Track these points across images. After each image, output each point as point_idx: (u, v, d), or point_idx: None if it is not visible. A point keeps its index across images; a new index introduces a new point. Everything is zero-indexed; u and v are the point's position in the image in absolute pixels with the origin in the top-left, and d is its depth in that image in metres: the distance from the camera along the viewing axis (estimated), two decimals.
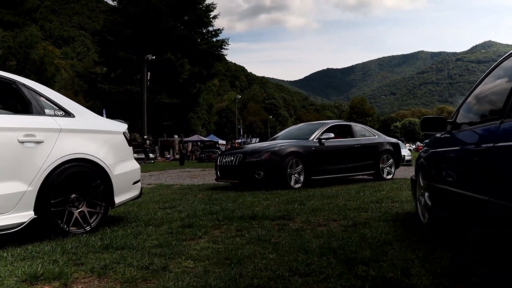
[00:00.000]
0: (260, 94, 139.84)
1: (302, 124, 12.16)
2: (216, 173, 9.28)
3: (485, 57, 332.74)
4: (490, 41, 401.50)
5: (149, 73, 40.43)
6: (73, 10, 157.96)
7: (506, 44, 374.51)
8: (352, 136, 9.97)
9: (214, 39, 50.62)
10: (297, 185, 8.37)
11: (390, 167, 10.47)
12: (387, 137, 11.17)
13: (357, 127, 10.51)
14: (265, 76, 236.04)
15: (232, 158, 8.70)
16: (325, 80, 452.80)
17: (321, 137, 9.06)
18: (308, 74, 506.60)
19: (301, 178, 8.48)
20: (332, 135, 9.14)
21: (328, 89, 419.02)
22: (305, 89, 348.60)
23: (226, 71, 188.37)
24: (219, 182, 9.65)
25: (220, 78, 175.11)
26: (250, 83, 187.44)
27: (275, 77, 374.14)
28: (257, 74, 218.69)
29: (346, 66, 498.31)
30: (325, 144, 9.05)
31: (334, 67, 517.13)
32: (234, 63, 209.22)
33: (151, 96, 41.87)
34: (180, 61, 47.44)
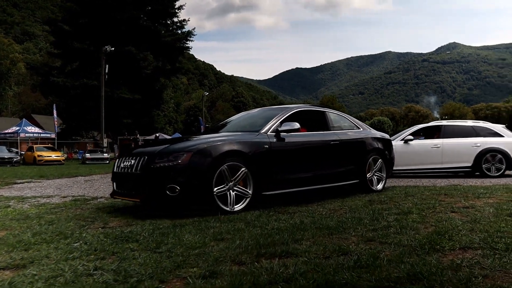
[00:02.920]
0: (229, 93, 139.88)
1: (257, 109, 7.80)
2: (113, 185, 5.85)
3: (450, 58, 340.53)
4: (454, 42, 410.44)
5: (107, 66, 37.36)
6: (36, 4, 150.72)
7: (470, 46, 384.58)
8: (327, 129, 6.81)
9: (179, 31, 47.72)
10: (238, 206, 5.22)
11: (381, 172, 7.45)
12: (375, 131, 7.84)
13: (333, 114, 7.24)
14: (234, 75, 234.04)
15: (132, 161, 5.27)
16: (294, 80, 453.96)
17: (279, 129, 5.87)
18: (277, 73, 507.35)
19: (248, 192, 5.33)
20: (296, 125, 5.88)
21: (297, 88, 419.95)
22: (274, 88, 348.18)
23: (195, 70, 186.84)
24: (119, 200, 6.04)
25: (189, 77, 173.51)
26: (219, 82, 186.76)
27: (244, 76, 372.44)
28: (226, 73, 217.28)
29: (315, 66, 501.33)
30: (286, 140, 5.90)
31: (303, 67, 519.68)
32: (203, 61, 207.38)
33: (110, 91, 38.77)
34: (143, 54, 44.14)
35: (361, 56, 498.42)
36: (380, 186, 7.33)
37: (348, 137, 7.00)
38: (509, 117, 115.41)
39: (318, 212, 4.99)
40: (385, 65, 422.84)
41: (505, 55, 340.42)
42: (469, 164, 11.00)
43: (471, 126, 11.56)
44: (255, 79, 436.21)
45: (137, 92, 42.05)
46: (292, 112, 6.50)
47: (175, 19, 47.57)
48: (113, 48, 38.09)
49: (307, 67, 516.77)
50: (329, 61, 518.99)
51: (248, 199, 5.30)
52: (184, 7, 47.59)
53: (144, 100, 42.42)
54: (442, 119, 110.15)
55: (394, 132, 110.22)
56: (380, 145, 7.46)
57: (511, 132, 11.77)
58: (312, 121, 6.95)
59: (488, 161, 10.94)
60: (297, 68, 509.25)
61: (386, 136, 8.00)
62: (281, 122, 6.05)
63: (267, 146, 5.60)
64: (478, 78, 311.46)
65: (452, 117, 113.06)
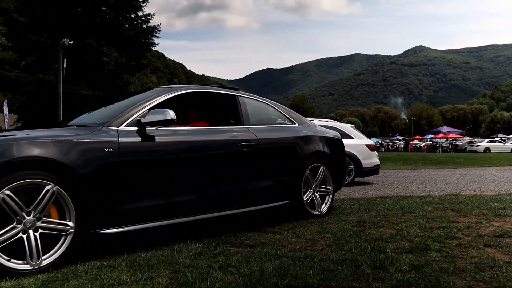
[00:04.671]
0: None
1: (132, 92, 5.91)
2: None
3: (417, 60, 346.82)
4: (421, 46, 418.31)
5: (65, 61, 34.95)
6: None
7: (436, 49, 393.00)
8: (238, 122, 4.49)
9: (144, 26, 45.53)
10: (48, 259, 2.89)
11: (325, 185, 5.07)
12: (320, 128, 5.46)
13: (250, 101, 4.76)
14: (205, 74, 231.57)
15: None
16: (265, 80, 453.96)
17: (144, 121, 3.57)
18: (248, 74, 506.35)
19: (67, 226, 3.00)
20: (169, 115, 3.55)
21: (267, 89, 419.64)
22: (245, 88, 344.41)
23: (165, 68, 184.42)
24: None
25: (158, 75, 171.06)
26: (189, 81, 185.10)
27: (215, 75, 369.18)
28: (196, 72, 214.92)
29: (285, 67, 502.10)
30: (158, 140, 3.60)
31: (274, 67, 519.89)
32: (173, 60, 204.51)
33: (69, 88, 36.24)
34: (104, 48, 41.73)
35: (331, 58, 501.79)
36: (325, 208, 4.97)
37: (270, 135, 4.58)
38: (474, 119, 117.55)
39: (288, 246, 3.39)
40: (355, 67, 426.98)
41: (469, 59, 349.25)
42: None
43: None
44: (226, 79, 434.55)
45: (98, 89, 39.65)
46: (174, 95, 4.01)
47: (140, 13, 45.39)
48: (71, 42, 35.78)
49: (278, 67, 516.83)
50: (300, 62, 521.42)
51: (66, 241, 2.98)
52: (149, 0, 45.45)
53: (105, 97, 40.09)
54: (410, 120, 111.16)
55: (365, 133, 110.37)
56: (325, 148, 5.04)
57: (360, 133, 10.53)
58: (217, 110, 5.01)
59: None
60: (268, 68, 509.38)
61: (336, 135, 5.54)
62: (149, 111, 3.64)
63: (110, 150, 3.25)
64: (443, 80, 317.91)
65: (420, 118, 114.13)
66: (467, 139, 50.62)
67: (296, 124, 5.05)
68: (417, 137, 70.74)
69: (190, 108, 4.70)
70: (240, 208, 4.12)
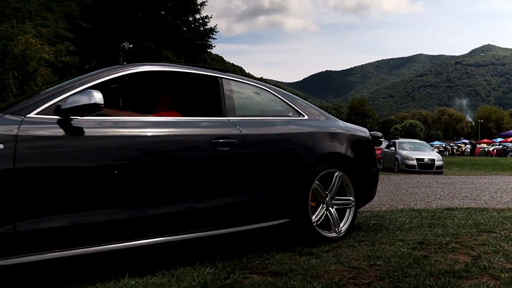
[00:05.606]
0: None
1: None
2: None
3: (484, 60, 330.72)
4: (489, 44, 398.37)
5: (125, 64, 35.74)
6: (70, 8, 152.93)
7: (506, 48, 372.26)
8: (219, 113, 3.34)
9: (202, 28, 45.83)
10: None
11: (343, 200, 3.83)
12: (341, 122, 4.24)
13: (240, 84, 3.66)
14: (264, 77, 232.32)
15: None
16: (323, 82, 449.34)
17: (66, 107, 2.47)
18: (306, 76, 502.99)
19: None
20: (94, 97, 2.45)
21: (326, 91, 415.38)
22: (303, 91, 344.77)
23: None
24: None
25: None
26: None
27: (273, 78, 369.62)
28: (255, 75, 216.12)
29: (344, 69, 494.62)
30: (88, 133, 2.53)
31: (333, 69, 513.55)
32: (232, 63, 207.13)
33: None
34: (163, 52, 42.36)
35: (391, 59, 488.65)
36: (344, 226, 3.74)
37: (262, 131, 3.44)
38: None
39: (324, 276, 2.56)
40: (417, 68, 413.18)
41: None
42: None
43: None
44: (284, 81, 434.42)
45: None
46: (124, 73, 2.92)
47: (197, 16, 45.71)
48: (131, 45, 36.48)
49: (337, 69, 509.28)
50: (359, 64, 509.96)
51: None
52: (207, 3, 45.69)
53: None
54: (476, 123, 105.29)
55: (427, 136, 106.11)
56: (344, 149, 3.81)
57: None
58: (193, 97, 3.86)
59: None
60: (326, 70, 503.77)
61: (363, 132, 4.29)
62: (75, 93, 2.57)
63: (1, 147, 2.19)
64: None
65: (488, 120, 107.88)
66: None
67: (305, 117, 3.80)
68: (485, 140, 66.62)
69: (159, 95, 3.73)
70: (209, 230, 2.93)
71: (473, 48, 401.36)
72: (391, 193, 7.98)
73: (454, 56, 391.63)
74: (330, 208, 3.68)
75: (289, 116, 3.78)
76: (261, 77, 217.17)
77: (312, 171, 3.53)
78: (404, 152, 16.81)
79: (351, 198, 3.83)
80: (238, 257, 2.99)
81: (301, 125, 3.71)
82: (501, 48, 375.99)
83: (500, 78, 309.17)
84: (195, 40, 45.49)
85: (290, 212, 3.39)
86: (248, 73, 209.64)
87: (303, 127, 3.69)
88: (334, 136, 3.81)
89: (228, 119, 3.28)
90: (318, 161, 3.58)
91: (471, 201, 6.78)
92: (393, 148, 17.85)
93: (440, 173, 15.73)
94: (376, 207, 5.93)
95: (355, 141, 4.00)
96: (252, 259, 2.95)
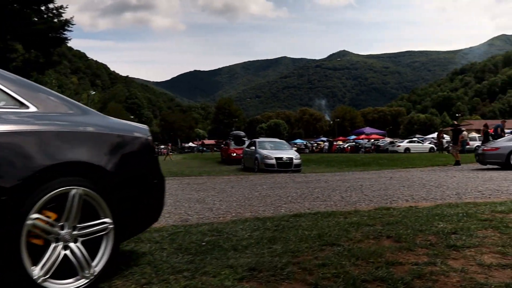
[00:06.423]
0: (123, 94, 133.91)
1: None
2: None
3: (340, 64, 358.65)
4: (344, 50, 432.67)
5: None
6: None
7: (358, 54, 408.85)
8: None
9: (56, 20, 41.82)
10: None
11: (95, 233, 2.56)
12: (106, 118, 3.02)
13: None
14: (130, 75, 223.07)
15: None
16: (192, 82, 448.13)
17: None
18: (175, 76, 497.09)
19: None
20: None
21: (195, 91, 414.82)
22: (171, 90, 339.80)
23: (86, 69, 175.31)
24: None
25: (80, 76, 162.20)
26: (113, 83, 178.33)
27: (140, 77, 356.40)
28: (121, 73, 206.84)
29: (213, 69, 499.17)
30: None
31: (201, 69, 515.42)
32: (96, 60, 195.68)
33: None
34: (10, 43, 37.74)
35: (257, 60, 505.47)
36: (101, 263, 2.55)
37: None
38: (393, 120, 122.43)
39: None
40: (281, 70, 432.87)
41: (388, 64, 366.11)
42: None
43: None
44: (152, 80, 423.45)
45: None
46: None
47: (51, 5, 41.59)
48: None
49: (205, 69, 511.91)
50: (227, 65, 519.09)
51: None
52: None
53: None
54: (334, 121, 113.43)
55: (290, 134, 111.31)
56: (100, 155, 2.68)
57: None
58: None
59: None
60: (195, 70, 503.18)
61: (140, 131, 3.10)
62: None
63: None
64: (365, 84, 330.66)
65: (343, 119, 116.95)
66: (388, 139, 51.60)
67: (31, 109, 2.55)
68: (341, 138, 71.74)
69: None
70: None
71: (331, 53, 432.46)
72: (243, 197, 7.44)
73: (315, 59, 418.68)
74: (71, 244, 2.41)
75: None
76: (127, 76, 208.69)
77: (27, 194, 2.24)
78: (264, 152, 16.71)
79: (106, 220, 2.59)
80: None
81: (13, 120, 2.38)
82: (354, 54, 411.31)
83: (354, 81, 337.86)
84: (47, 32, 41.40)
85: None
86: (113, 71, 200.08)
87: (17, 124, 2.37)
88: (81, 137, 2.63)
89: None
90: (40, 177, 2.30)
91: (321, 203, 6.49)
92: (253, 148, 17.67)
93: (298, 171, 15.90)
94: (220, 217, 5.26)
95: (121, 144, 2.90)
96: None
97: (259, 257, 3.05)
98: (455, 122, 20.12)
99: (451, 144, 20.29)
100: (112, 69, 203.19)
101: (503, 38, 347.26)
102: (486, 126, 19.37)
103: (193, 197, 7.62)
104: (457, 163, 16.53)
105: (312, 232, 3.88)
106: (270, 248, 3.34)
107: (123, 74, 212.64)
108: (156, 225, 4.40)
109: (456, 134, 17.83)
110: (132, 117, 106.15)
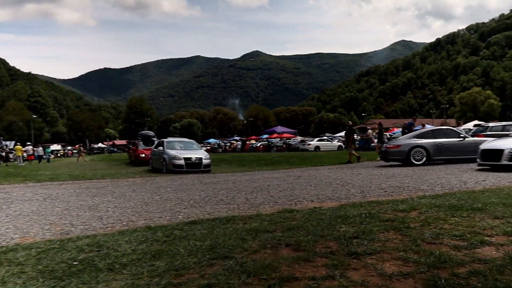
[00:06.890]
0: (24, 91, 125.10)
1: None
2: None
3: (253, 65, 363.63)
4: (257, 51, 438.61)
5: None
6: None
7: (270, 55, 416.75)
8: None
9: None
10: None
11: None
12: None
13: None
14: (33, 72, 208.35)
15: None
16: (102, 80, 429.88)
17: None
18: (83, 73, 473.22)
19: None
20: None
21: (105, 89, 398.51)
22: (79, 89, 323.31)
23: None
24: None
25: None
26: (13, 79, 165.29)
27: (44, 74, 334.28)
28: (22, 69, 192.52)
29: (124, 67, 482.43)
30: None
31: (112, 67, 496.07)
32: None
33: None
34: None
35: (171, 59, 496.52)
36: None
37: None
38: (304, 119, 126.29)
39: None
40: (195, 69, 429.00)
41: (299, 65, 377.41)
42: None
43: None
44: (57, 77, 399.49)
45: None
46: None
47: None
48: None
49: (116, 67, 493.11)
50: (139, 63, 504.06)
51: None
52: None
53: None
54: (247, 121, 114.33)
55: (204, 134, 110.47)
56: None
57: None
58: None
59: None
60: (105, 68, 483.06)
61: None
62: None
63: None
64: (277, 84, 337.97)
65: (256, 119, 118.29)
66: (299, 138, 52.76)
67: None
68: (254, 137, 72.31)
69: None
70: None
71: (245, 53, 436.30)
72: (141, 202, 6.86)
73: (228, 59, 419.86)
74: None
75: None
76: (30, 72, 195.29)
77: None
78: (172, 152, 16.06)
79: None
80: None
81: None
82: (267, 54, 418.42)
83: (267, 81, 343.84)
84: None
85: None
86: (14, 66, 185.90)
87: None
88: None
89: None
90: None
91: (224, 206, 6.11)
92: (161, 148, 16.93)
93: (208, 171, 15.49)
94: (108, 227, 4.69)
95: None
96: None
97: (135, 278, 2.58)
98: (350, 123, 20.88)
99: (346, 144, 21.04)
100: (12, 64, 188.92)
101: (403, 43, 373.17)
102: (380, 124, 21.42)
103: (85, 204, 6.90)
104: (358, 158, 17.33)
105: (204, 242, 3.47)
106: (152, 265, 2.88)
107: (25, 70, 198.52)
108: (28, 240, 3.78)
109: (348, 134, 18.53)
110: (35, 116, 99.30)
